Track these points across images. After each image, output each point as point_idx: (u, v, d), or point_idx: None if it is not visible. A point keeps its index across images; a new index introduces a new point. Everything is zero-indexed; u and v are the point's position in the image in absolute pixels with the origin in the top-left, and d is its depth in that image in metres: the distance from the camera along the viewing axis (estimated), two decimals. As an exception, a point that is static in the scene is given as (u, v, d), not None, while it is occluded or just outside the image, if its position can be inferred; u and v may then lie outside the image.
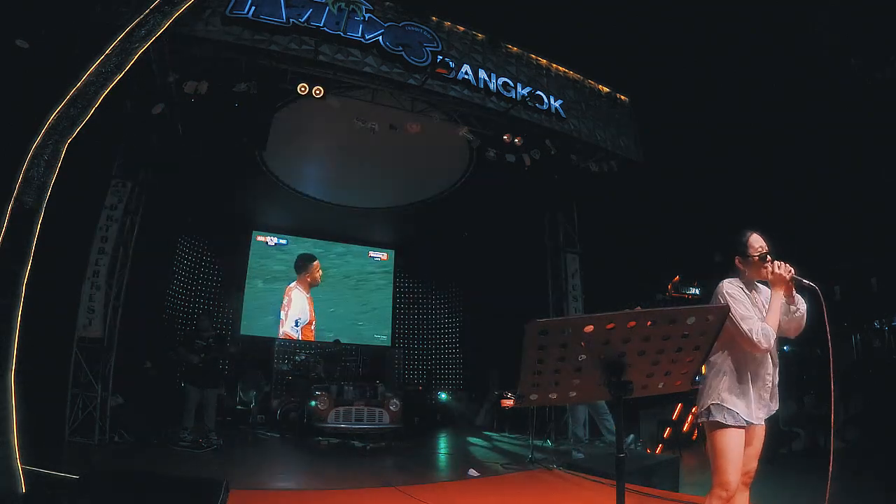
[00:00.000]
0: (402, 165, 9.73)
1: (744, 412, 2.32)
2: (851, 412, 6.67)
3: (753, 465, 2.41)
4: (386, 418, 7.58)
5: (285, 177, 10.61)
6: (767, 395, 2.40)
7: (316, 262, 13.22)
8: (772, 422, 2.51)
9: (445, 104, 7.65)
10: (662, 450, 7.30)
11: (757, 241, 2.50)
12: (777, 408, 2.46)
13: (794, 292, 2.39)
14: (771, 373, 2.41)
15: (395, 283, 14.29)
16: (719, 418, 2.32)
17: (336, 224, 12.74)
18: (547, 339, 1.49)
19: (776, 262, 2.40)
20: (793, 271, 2.35)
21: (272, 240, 13.10)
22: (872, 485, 4.55)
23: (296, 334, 12.48)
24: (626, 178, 8.80)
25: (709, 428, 2.39)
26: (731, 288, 2.45)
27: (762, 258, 2.44)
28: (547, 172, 8.49)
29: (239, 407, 9.76)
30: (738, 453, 2.29)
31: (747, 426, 2.32)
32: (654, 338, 1.56)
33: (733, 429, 2.30)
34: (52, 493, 3.44)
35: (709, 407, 2.37)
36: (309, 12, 6.48)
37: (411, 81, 7.11)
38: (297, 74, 6.76)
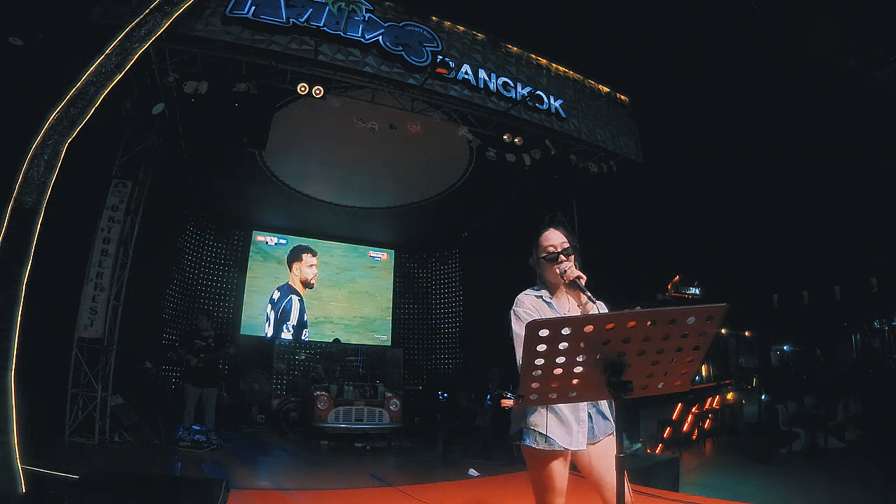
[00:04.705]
0: (402, 165, 9.73)
1: (560, 438, 1.97)
2: (851, 412, 6.67)
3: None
4: (386, 418, 7.58)
5: (285, 177, 10.61)
6: (585, 416, 2.03)
7: (307, 255, 12.82)
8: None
9: (445, 104, 7.65)
10: (662, 450, 7.30)
11: (549, 240, 2.15)
12: (606, 427, 2.06)
13: (586, 299, 2.00)
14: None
15: (395, 283, 14.29)
16: (531, 443, 2.00)
17: (336, 224, 12.73)
18: (547, 339, 1.48)
19: (567, 263, 2.06)
20: (575, 275, 2.01)
21: (272, 239, 13.09)
22: (872, 484, 4.55)
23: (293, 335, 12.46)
24: (626, 178, 8.80)
25: (525, 454, 2.05)
26: (518, 306, 2.11)
27: (548, 259, 2.12)
28: (547, 172, 8.48)
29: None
30: (557, 483, 1.98)
31: (566, 451, 1.98)
32: (654, 338, 1.55)
33: (548, 454, 1.97)
34: (52, 493, 3.43)
35: (520, 430, 2.03)
36: (309, 12, 6.48)
37: (411, 81, 7.10)
38: (297, 74, 6.76)
